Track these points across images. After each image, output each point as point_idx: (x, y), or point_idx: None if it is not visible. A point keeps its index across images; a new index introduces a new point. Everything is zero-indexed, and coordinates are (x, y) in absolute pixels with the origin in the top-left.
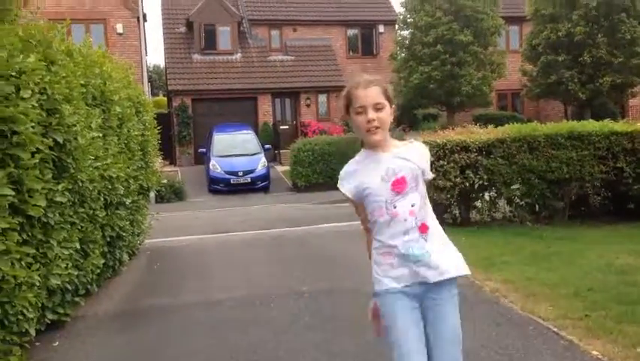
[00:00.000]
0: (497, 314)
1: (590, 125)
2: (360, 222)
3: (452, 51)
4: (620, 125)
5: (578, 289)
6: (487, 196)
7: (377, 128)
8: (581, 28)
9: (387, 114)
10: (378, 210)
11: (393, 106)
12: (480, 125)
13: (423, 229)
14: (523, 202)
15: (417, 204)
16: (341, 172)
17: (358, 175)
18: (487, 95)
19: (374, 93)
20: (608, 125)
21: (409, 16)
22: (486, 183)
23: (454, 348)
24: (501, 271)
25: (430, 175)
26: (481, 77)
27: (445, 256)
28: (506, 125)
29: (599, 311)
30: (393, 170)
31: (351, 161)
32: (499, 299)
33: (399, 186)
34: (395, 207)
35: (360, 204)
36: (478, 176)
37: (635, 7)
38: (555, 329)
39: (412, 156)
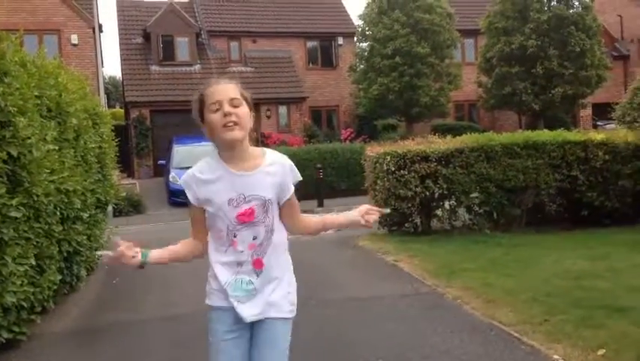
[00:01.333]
0: (459, 321)
1: (544, 134)
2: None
3: (410, 63)
4: (573, 135)
5: (537, 294)
6: (447, 205)
7: (235, 124)
8: (533, 41)
9: (246, 113)
10: (217, 233)
11: (252, 112)
12: (438, 135)
13: (258, 264)
14: (481, 210)
15: (259, 237)
16: (190, 173)
17: (207, 187)
18: (445, 105)
19: (230, 88)
20: (562, 134)
21: (367, 28)
22: (446, 192)
23: None
24: (462, 278)
25: (289, 194)
26: (439, 89)
27: (273, 297)
28: (464, 135)
29: (558, 316)
30: (245, 198)
31: (201, 164)
32: (460, 306)
33: (245, 216)
34: (235, 236)
35: (199, 212)
36: (437, 185)
37: (584, 21)
38: (516, 334)
39: (267, 180)
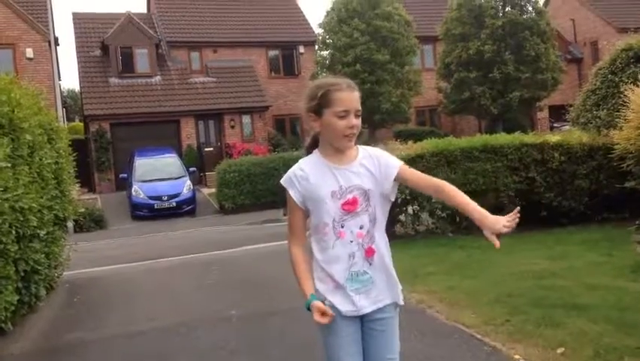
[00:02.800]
0: (423, 325)
1: (502, 138)
2: (289, 233)
3: (371, 70)
4: (529, 138)
5: (499, 295)
6: (410, 210)
7: (354, 135)
8: (489, 46)
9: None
10: (323, 229)
11: None
12: (400, 141)
13: (369, 252)
14: (444, 214)
15: (365, 226)
16: (290, 173)
17: (309, 183)
18: (406, 111)
19: (357, 98)
20: (519, 137)
21: (327, 37)
22: (409, 198)
23: None
24: (426, 282)
25: (395, 170)
26: (400, 95)
27: (386, 284)
28: (425, 141)
29: (520, 316)
30: (346, 188)
31: (301, 163)
32: (424, 310)
33: (349, 205)
34: (342, 227)
35: (300, 212)
36: (400, 191)
37: (538, 26)
38: (479, 336)
39: (364, 172)
